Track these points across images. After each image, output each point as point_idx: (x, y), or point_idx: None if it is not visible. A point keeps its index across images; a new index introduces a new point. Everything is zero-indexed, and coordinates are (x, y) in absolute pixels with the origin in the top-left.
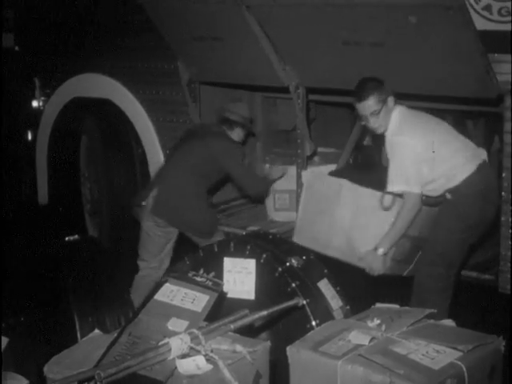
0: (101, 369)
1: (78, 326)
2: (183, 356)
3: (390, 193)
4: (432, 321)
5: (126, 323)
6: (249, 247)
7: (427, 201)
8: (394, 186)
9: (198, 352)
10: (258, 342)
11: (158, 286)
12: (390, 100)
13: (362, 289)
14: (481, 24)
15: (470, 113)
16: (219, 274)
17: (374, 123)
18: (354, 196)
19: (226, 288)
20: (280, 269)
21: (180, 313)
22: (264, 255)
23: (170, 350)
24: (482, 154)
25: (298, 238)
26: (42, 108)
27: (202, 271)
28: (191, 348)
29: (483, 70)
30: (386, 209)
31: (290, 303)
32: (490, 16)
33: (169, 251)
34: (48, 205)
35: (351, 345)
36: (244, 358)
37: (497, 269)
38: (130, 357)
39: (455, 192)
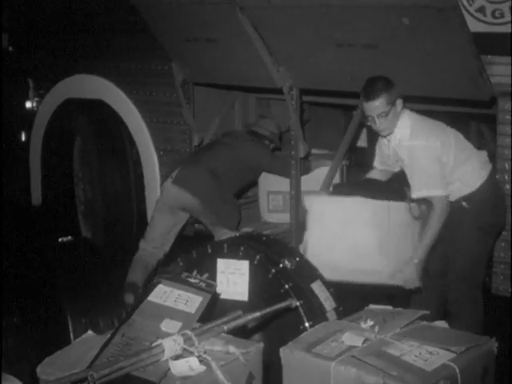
0: (94, 370)
1: (71, 327)
2: (176, 357)
3: (414, 200)
4: (425, 322)
5: (120, 324)
6: (242, 248)
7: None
8: (420, 191)
9: (191, 353)
10: (251, 344)
11: (151, 287)
12: (399, 103)
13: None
14: (474, 26)
15: (463, 115)
16: (212, 276)
17: (380, 125)
18: (378, 211)
19: (219, 289)
20: (273, 270)
21: (173, 314)
22: (257, 256)
23: (163, 351)
24: (488, 159)
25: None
26: (35, 109)
27: (195, 272)
28: (184, 349)
29: (476, 71)
30: (418, 218)
31: (284, 304)
32: (483, 18)
33: (174, 234)
34: (41, 206)
35: (344, 346)
36: (237, 359)
37: (490, 271)
38: (123, 358)
39: (471, 199)
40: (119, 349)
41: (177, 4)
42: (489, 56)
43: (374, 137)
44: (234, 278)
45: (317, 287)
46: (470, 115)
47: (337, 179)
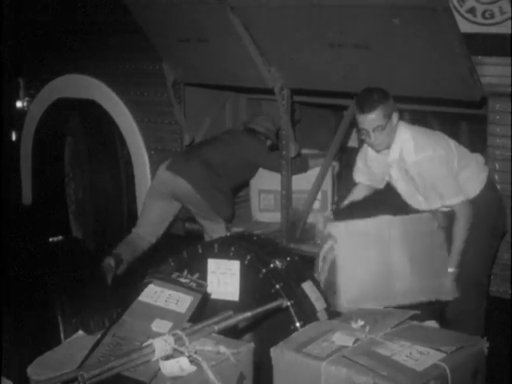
0: (84, 370)
1: (61, 328)
2: (167, 357)
3: (431, 210)
4: (415, 322)
5: (110, 324)
6: (233, 248)
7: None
8: (448, 200)
9: (182, 353)
10: (242, 344)
11: (142, 287)
12: (395, 116)
13: None
14: (465, 26)
15: (453, 115)
16: (203, 276)
17: (375, 139)
18: (407, 227)
19: (210, 289)
20: (264, 270)
21: (164, 314)
22: (248, 256)
23: (153, 351)
24: (484, 162)
25: (348, 306)
26: (26, 108)
27: (186, 272)
28: (175, 349)
29: (467, 72)
30: (444, 227)
31: (274, 304)
32: (473, 18)
33: (165, 223)
34: (32, 205)
35: (335, 346)
36: (228, 360)
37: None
38: (114, 358)
39: (474, 204)
40: (110, 349)
41: (168, 4)
42: (479, 57)
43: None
44: (224, 278)
45: (307, 287)
46: (460, 116)
47: (328, 181)
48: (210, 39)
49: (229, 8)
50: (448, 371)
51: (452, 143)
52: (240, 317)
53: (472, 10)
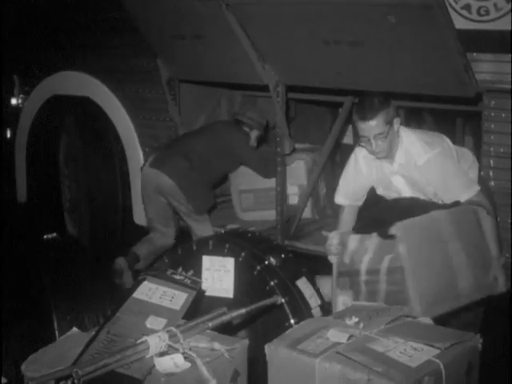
0: (78, 367)
1: (56, 324)
2: (161, 354)
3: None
4: (410, 319)
5: (105, 321)
6: (227, 245)
7: None
8: (465, 194)
9: (176, 350)
10: (237, 340)
11: (136, 284)
12: (396, 122)
13: None
14: (460, 23)
15: (448, 112)
16: (198, 273)
17: (376, 147)
18: (458, 221)
19: (204, 286)
20: (258, 267)
21: (158, 311)
22: (243, 253)
23: (148, 348)
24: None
25: (425, 313)
26: (21, 106)
27: (180, 269)
28: (169, 346)
29: (462, 68)
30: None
31: (269, 301)
32: (469, 15)
33: (169, 217)
34: (27, 203)
35: (329, 343)
36: (222, 356)
37: None
38: (108, 355)
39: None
40: (104, 346)
41: (163, 1)
42: (474, 53)
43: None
44: (219, 275)
45: (302, 284)
46: (455, 112)
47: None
48: (205, 36)
49: (224, 5)
50: (442, 367)
51: (449, 140)
52: (234, 313)
53: (467, 7)
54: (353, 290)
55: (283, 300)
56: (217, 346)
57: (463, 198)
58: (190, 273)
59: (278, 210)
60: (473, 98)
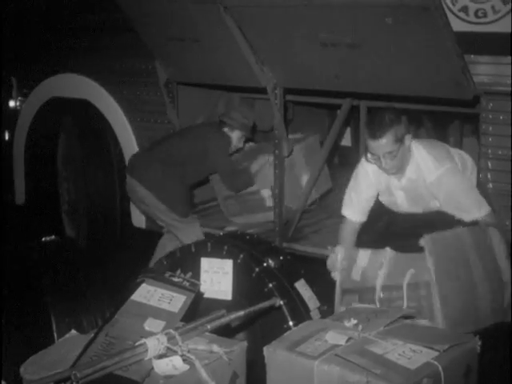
0: (77, 369)
1: (54, 327)
2: (160, 356)
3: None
4: (408, 321)
5: (103, 323)
6: (226, 247)
7: None
8: (480, 211)
9: (175, 352)
10: (235, 343)
11: (134, 287)
12: (407, 138)
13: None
14: (457, 25)
15: (446, 114)
16: (196, 275)
17: (386, 165)
18: (477, 239)
19: (202, 288)
20: (257, 269)
21: (157, 313)
22: (241, 255)
23: (146, 350)
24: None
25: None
26: (19, 108)
27: (179, 271)
28: (168, 348)
29: (459, 71)
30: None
31: (267, 303)
32: (466, 17)
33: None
34: (25, 205)
35: (328, 345)
36: (221, 358)
37: None
38: (107, 357)
39: None
40: (102, 348)
41: (161, 3)
42: (472, 55)
43: (358, 137)
44: (217, 277)
45: (300, 286)
46: (453, 114)
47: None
48: (203, 38)
49: (222, 7)
50: (441, 369)
51: (453, 149)
52: (233, 316)
53: (465, 9)
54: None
55: (282, 302)
56: (215, 348)
57: (479, 216)
58: (189, 275)
59: (276, 212)
60: (471, 101)
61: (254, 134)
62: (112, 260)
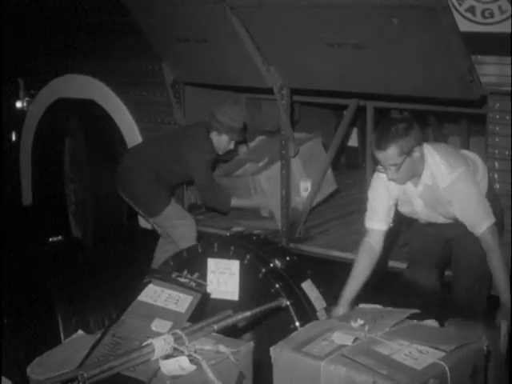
0: (84, 369)
1: (61, 327)
2: (167, 357)
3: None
4: (414, 321)
5: (110, 324)
6: (232, 248)
7: None
8: (485, 222)
9: (182, 352)
10: (242, 343)
11: (141, 287)
12: (417, 150)
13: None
14: (464, 25)
15: (453, 114)
16: (203, 275)
17: (392, 175)
18: None
19: (209, 289)
20: (264, 270)
21: (163, 314)
22: (248, 256)
23: (153, 350)
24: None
25: None
26: (26, 109)
27: (185, 272)
28: (175, 348)
29: (466, 71)
30: None
31: (274, 304)
32: (473, 18)
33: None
34: (32, 206)
35: (334, 345)
36: (227, 359)
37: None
38: (114, 357)
39: None
40: (109, 348)
41: (167, 4)
42: (479, 56)
43: (365, 137)
44: (224, 278)
45: (307, 286)
46: (459, 114)
47: None
48: (209, 39)
49: (228, 8)
50: (447, 370)
51: (465, 152)
52: (239, 316)
53: (471, 9)
54: None
55: (288, 302)
56: (222, 348)
57: (481, 230)
58: (195, 275)
59: (282, 213)
60: (477, 101)
61: (244, 135)
62: (119, 261)
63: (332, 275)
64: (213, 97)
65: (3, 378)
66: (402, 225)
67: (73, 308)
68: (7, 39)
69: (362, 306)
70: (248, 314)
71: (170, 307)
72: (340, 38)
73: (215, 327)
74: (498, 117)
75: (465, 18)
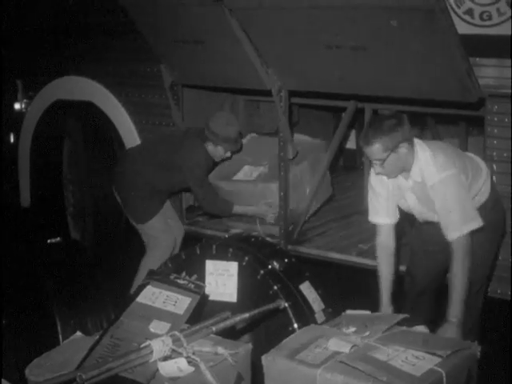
0: (82, 371)
1: (59, 329)
2: (165, 358)
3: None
4: (404, 327)
5: (108, 325)
6: (231, 250)
7: None
8: (457, 232)
9: (180, 354)
10: (240, 345)
11: (139, 289)
12: (404, 147)
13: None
14: (462, 28)
15: (451, 116)
16: (201, 277)
17: (378, 169)
18: None
19: (207, 290)
20: (262, 271)
21: (162, 315)
22: (246, 258)
23: (151, 352)
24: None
25: None
26: (24, 110)
27: (184, 274)
28: (173, 350)
29: (464, 73)
30: None
31: (272, 306)
32: (471, 20)
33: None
34: (30, 207)
35: (329, 352)
36: (226, 360)
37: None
38: (112, 359)
39: (483, 209)
40: (108, 350)
41: (166, 5)
42: (477, 58)
43: None
44: (222, 280)
45: (305, 288)
46: (458, 116)
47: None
48: (207, 41)
49: (227, 10)
50: (444, 375)
51: (463, 154)
52: (238, 318)
53: (469, 12)
54: None
55: (286, 304)
56: (220, 350)
57: (451, 237)
58: (194, 277)
59: (281, 215)
60: (475, 103)
61: (240, 144)
62: (117, 262)
63: (330, 277)
64: (211, 99)
65: (3, 381)
66: (404, 223)
67: (71, 309)
68: (6, 40)
69: (349, 312)
70: (246, 315)
71: (169, 309)
72: (339, 39)
73: (213, 329)
74: (496, 119)
75: (463, 20)
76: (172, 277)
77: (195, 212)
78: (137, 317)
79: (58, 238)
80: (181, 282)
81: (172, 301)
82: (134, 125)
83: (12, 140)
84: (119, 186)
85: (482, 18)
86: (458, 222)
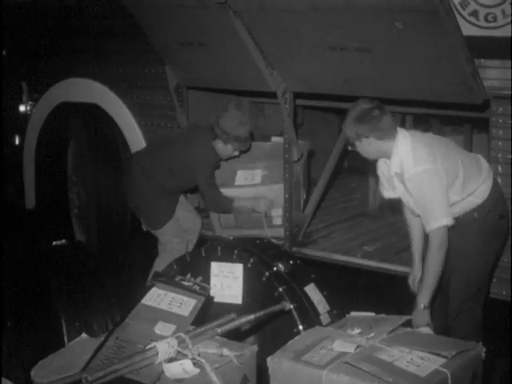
0: (88, 372)
1: (65, 330)
2: (170, 360)
3: None
4: (409, 329)
5: (113, 327)
6: (236, 252)
7: None
8: (436, 222)
9: (185, 356)
10: (245, 346)
11: (145, 291)
12: (370, 138)
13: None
14: (467, 29)
15: (456, 118)
16: (206, 279)
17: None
18: None
19: (213, 292)
20: (267, 273)
21: (167, 317)
22: (251, 260)
23: (157, 353)
24: (488, 164)
25: None
26: (29, 112)
27: (189, 276)
28: (178, 352)
29: (469, 75)
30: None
31: (277, 307)
32: (476, 22)
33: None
34: (35, 209)
35: (334, 353)
36: (231, 362)
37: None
38: (117, 361)
39: (481, 210)
40: (113, 352)
41: (170, 8)
42: (482, 60)
43: None
44: (227, 281)
45: (310, 290)
46: (462, 117)
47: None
48: (212, 43)
49: (232, 12)
50: (449, 376)
51: (457, 152)
52: (243, 319)
53: (474, 13)
54: None
55: (292, 306)
56: (226, 351)
57: (428, 228)
58: (199, 279)
59: (286, 217)
60: (480, 105)
61: (250, 143)
62: (122, 264)
63: (335, 279)
64: (216, 101)
65: (3, 380)
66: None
67: (76, 311)
68: (10, 43)
69: (353, 313)
70: (251, 317)
71: (174, 310)
72: (343, 41)
73: (219, 330)
74: (500, 121)
75: (468, 22)
76: (177, 279)
77: (201, 214)
78: (142, 318)
79: (63, 240)
80: (186, 283)
81: (177, 303)
82: (138, 126)
83: (17, 142)
84: (131, 196)
85: (486, 20)
86: (431, 217)
